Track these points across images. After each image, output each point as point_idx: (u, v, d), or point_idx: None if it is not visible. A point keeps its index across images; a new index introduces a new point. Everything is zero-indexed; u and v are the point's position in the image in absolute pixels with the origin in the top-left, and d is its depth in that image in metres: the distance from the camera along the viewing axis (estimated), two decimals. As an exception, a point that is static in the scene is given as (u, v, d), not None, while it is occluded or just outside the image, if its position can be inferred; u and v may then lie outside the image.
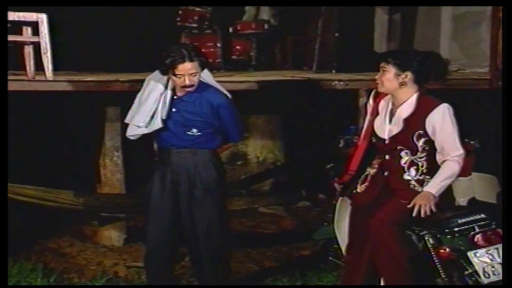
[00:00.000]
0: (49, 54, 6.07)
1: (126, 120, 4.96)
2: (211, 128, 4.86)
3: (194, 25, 8.30)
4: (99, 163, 6.86)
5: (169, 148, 4.88)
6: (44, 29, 6.04)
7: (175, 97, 4.84)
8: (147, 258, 5.04)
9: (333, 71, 7.65)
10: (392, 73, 4.57)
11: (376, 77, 4.65)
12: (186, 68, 4.68)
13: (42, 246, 6.68)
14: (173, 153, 4.88)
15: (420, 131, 4.56)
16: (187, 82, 4.71)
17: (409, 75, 4.56)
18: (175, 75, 4.71)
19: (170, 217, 4.91)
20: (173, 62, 4.66)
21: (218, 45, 8.18)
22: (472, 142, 4.89)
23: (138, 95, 4.94)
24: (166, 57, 4.69)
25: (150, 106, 4.83)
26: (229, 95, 4.96)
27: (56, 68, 6.19)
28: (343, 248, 4.90)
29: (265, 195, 8.14)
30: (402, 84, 4.58)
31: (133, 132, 4.93)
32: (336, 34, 7.80)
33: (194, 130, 4.82)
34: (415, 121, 4.57)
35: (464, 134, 4.64)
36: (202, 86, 4.86)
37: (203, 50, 7.83)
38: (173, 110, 4.84)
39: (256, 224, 7.60)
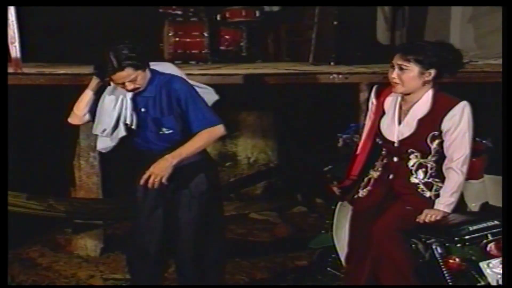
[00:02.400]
0: (17, 43, 6.05)
1: (93, 131, 4.92)
2: (181, 123, 4.77)
3: (178, 12, 8.28)
4: (73, 165, 6.84)
5: (151, 150, 4.86)
6: (11, 16, 6.02)
7: (137, 96, 4.77)
8: (130, 271, 5.04)
9: (332, 63, 7.64)
10: (416, 71, 4.53)
11: (393, 76, 4.57)
12: (120, 76, 4.61)
13: (9, 257, 6.65)
14: (157, 156, 4.85)
15: (435, 132, 4.57)
16: (129, 88, 4.67)
17: (433, 72, 4.55)
18: (115, 83, 4.67)
19: (157, 225, 4.90)
20: (105, 72, 4.61)
21: (205, 34, 8.17)
22: (484, 141, 4.89)
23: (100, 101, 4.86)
24: (98, 64, 4.64)
25: (109, 112, 4.76)
26: (202, 85, 4.95)
27: (25, 59, 6.18)
28: (342, 258, 4.90)
29: (257, 200, 8.15)
30: (425, 83, 4.58)
31: (101, 144, 4.89)
32: (335, 23, 7.80)
33: (164, 129, 4.77)
34: (431, 122, 4.57)
35: (475, 133, 4.65)
36: (162, 77, 4.80)
37: (188, 40, 8.09)
38: (142, 110, 4.80)
39: (247, 232, 7.61)
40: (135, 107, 4.79)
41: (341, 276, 5.01)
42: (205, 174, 4.88)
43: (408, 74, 4.55)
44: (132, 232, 5.04)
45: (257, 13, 8.47)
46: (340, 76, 6.62)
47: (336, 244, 5.03)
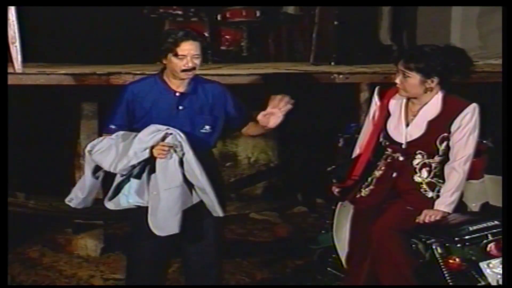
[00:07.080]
0: (18, 44, 6.06)
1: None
2: (221, 123, 4.89)
3: (179, 12, 8.28)
4: (74, 165, 6.84)
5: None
6: (12, 16, 6.02)
7: (177, 93, 4.83)
8: (130, 274, 5.05)
9: (332, 63, 7.64)
10: (417, 79, 4.56)
11: (396, 81, 4.63)
12: (191, 47, 4.71)
13: (9, 257, 6.66)
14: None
15: (445, 134, 4.60)
16: (190, 64, 4.72)
17: (435, 80, 4.57)
18: (177, 55, 4.71)
19: None
20: (177, 40, 4.70)
21: (206, 34, 8.17)
22: (484, 142, 4.89)
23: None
24: (166, 38, 4.74)
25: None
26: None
27: (25, 59, 6.18)
28: (343, 258, 4.90)
29: (257, 200, 8.14)
30: (428, 90, 4.60)
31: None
32: (336, 23, 7.80)
33: (207, 127, 4.84)
34: (441, 123, 4.60)
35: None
36: (199, 79, 4.91)
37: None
38: (180, 107, 4.82)
39: (247, 232, 7.61)
40: (174, 105, 4.81)
41: (341, 276, 5.01)
42: (211, 171, 4.88)
43: (410, 81, 4.58)
44: (133, 234, 5.03)
45: (258, 13, 8.47)
46: (341, 76, 6.63)
47: (336, 244, 5.03)
